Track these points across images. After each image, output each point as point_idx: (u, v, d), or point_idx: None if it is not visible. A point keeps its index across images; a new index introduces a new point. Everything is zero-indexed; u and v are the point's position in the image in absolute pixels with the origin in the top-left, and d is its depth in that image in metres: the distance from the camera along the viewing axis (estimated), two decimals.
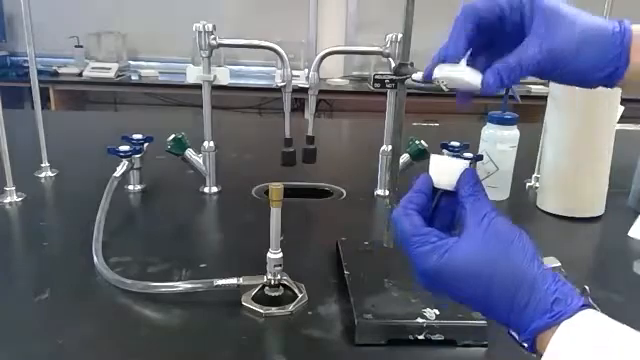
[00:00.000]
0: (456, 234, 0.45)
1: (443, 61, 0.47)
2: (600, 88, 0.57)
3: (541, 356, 0.40)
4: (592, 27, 0.45)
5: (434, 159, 0.49)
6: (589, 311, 0.40)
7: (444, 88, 0.47)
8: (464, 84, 0.46)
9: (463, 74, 0.46)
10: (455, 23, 0.46)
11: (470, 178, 0.46)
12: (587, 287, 0.43)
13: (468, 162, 0.48)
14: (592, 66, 0.45)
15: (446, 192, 0.48)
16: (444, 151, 0.42)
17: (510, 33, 0.46)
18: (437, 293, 0.45)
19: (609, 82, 0.46)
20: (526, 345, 0.42)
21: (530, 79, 3.09)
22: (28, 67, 1.13)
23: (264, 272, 0.70)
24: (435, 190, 0.48)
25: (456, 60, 0.46)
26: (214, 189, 1.11)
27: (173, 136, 1.07)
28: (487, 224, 0.43)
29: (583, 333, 0.39)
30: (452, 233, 0.46)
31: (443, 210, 0.48)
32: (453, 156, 0.47)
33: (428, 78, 0.48)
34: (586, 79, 0.46)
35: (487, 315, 0.44)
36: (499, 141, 1.09)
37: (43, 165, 1.16)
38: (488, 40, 0.47)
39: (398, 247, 0.47)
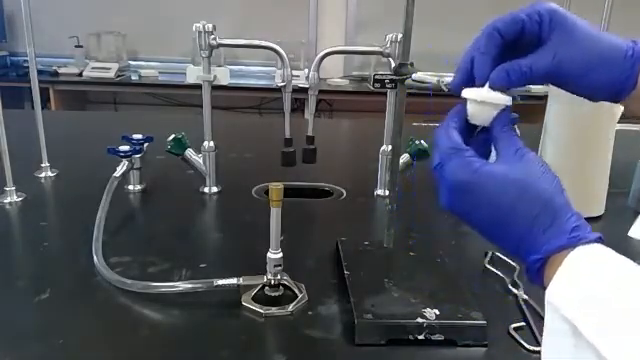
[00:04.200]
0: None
1: (468, 85, 0.49)
2: None
3: (544, 288, 0.41)
4: (606, 48, 0.47)
5: (471, 99, 0.48)
6: (606, 248, 0.41)
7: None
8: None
9: (489, 97, 0.48)
10: (479, 44, 0.49)
11: (505, 120, 0.48)
12: None
13: (505, 101, 0.47)
14: (600, 85, 0.47)
15: (482, 127, 0.49)
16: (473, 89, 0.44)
17: (526, 43, 0.48)
18: (457, 210, 0.47)
19: (612, 100, 0.48)
20: (531, 271, 0.43)
21: None
22: (28, 67, 1.13)
23: (264, 272, 0.70)
24: (470, 123, 0.49)
25: (481, 84, 0.48)
26: (214, 189, 1.11)
27: (173, 136, 1.07)
28: (521, 154, 0.46)
29: (602, 256, 0.40)
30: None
31: (478, 143, 0.49)
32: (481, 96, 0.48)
33: (456, 90, 0.50)
34: (591, 94, 0.49)
35: (498, 238, 0.45)
36: None
37: (43, 165, 1.16)
38: (506, 49, 0.49)
39: (432, 168, 0.49)
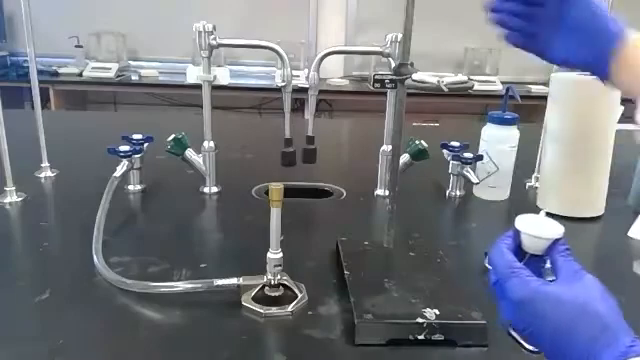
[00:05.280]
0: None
1: None
2: (600, 87, 0.61)
3: None
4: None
5: (525, 229, 0.50)
6: None
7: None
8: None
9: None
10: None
11: (563, 248, 0.49)
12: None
13: (558, 234, 0.49)
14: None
15: (533, 255, 0.51)
16: (528, 218, 0.47)
17: None
18: (518, 326, 0.48)
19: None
20: None
21: (530, 79, 3.06)
22: (28, 67, 1.13)
23: (264, 272, 0.70)
24: (522, 249, 0.51)
25: None
26: (214, 189, 1.11)
27: (173, 136, 1.07)
28: (580, 276, 0.47)
29: None
30: None
31: (530, 265, 0.50)
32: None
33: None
34: None
35: (558, 357, 0.45)
36: (499, 141, 1.09)
37: (43, 165, 1.16)
38: None
39: (491, 286, 0.50)
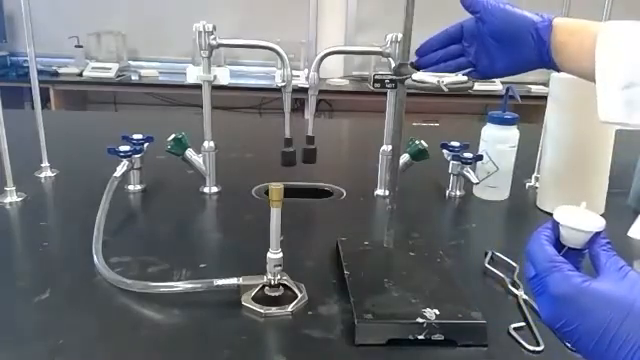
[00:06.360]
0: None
1: None
2: None
3: None
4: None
5: (564, 225, 0.48)
6: None
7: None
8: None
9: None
10: None
11: (604, 242, 0.48)
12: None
13: (599, 227, 0.47)
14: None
15: (572, 248, 0.49)
16: (563, 210, 0.45)
17: None
18: (559, 324, 0.45)
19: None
20: None
21: (530, 79, 3.05)
22: (28, 67, 1.13)
23: (264, 272, 0.70)
24: (561, 243, 0.49)
25: None
26: (214, 189, 1.11)
27: (173, 136, 1.07)
28: (625, 272, 0.44)
29: None
30: None
31: (569, 259, 0.48)
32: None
33: None
34: None
35: (597, 354, 0.43)
36: (499, 141, 1.09)
37: (43, 165, 1.16)
38: None
39: (525, 278, 0.49)
